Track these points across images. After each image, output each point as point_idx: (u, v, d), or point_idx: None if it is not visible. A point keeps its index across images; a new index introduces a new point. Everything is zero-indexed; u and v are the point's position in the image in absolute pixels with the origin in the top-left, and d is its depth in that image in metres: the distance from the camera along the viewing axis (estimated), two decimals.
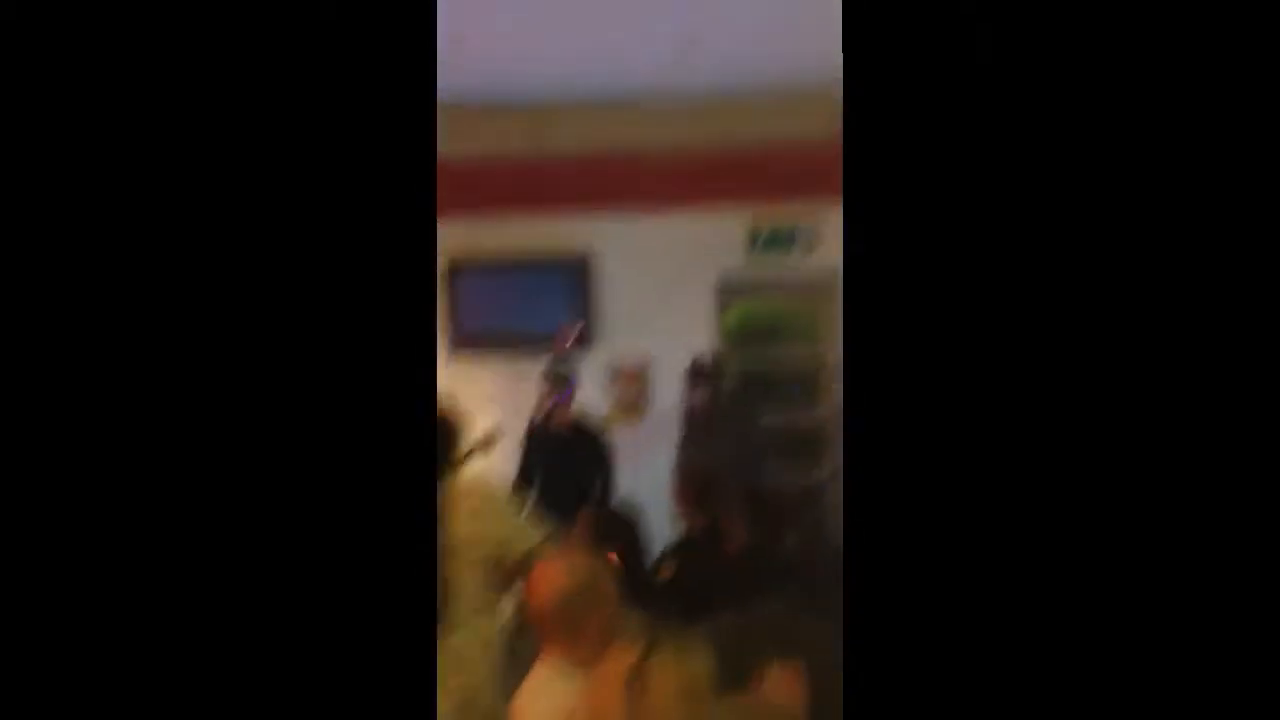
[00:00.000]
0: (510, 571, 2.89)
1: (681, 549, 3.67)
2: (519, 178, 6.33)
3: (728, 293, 6.32)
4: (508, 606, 2.93)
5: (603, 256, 6.38)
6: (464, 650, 2.80)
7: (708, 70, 5.47)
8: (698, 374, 5.44)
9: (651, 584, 3.41)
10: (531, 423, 5.31)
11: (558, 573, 2.36)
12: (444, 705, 2.37)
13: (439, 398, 5.77)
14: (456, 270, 6.34)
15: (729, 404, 5.48)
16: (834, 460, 6.08)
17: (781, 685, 1.72)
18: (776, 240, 6.26)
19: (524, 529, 3.01)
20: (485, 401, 6.24)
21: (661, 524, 4.78)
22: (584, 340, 6.22)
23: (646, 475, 5.21)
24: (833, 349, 6.29)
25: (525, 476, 5.18)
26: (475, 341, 6.33)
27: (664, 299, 6.26)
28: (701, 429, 5.33)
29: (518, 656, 2.68)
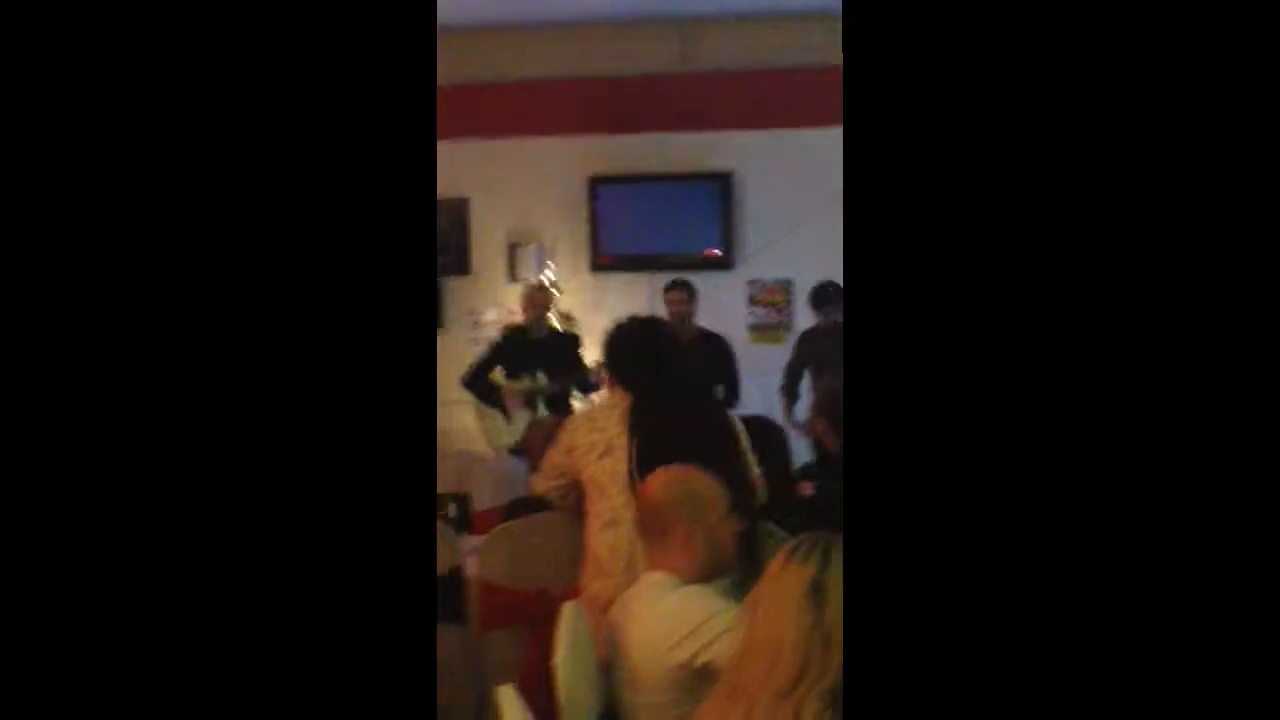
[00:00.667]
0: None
1: (821, 466, 3.65)
2: (660, 94, 6.29)
3: None
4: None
5: (746, 173, 6.31)
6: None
7: None
8: (823, 297, 5.37)
9: (791, 499, 3.41)
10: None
11: (663, 483, 2.36)
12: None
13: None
14: (598, 187, 6.36)
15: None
16: None
17: None
18: None
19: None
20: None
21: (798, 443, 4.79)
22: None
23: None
24: None
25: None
26: (616, 260, 6.36)
27: (807, 216, 6.17)
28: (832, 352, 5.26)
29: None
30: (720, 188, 6.28)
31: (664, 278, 5.65)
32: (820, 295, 5.36)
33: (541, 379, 5.30)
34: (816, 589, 1.62)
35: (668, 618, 2.16)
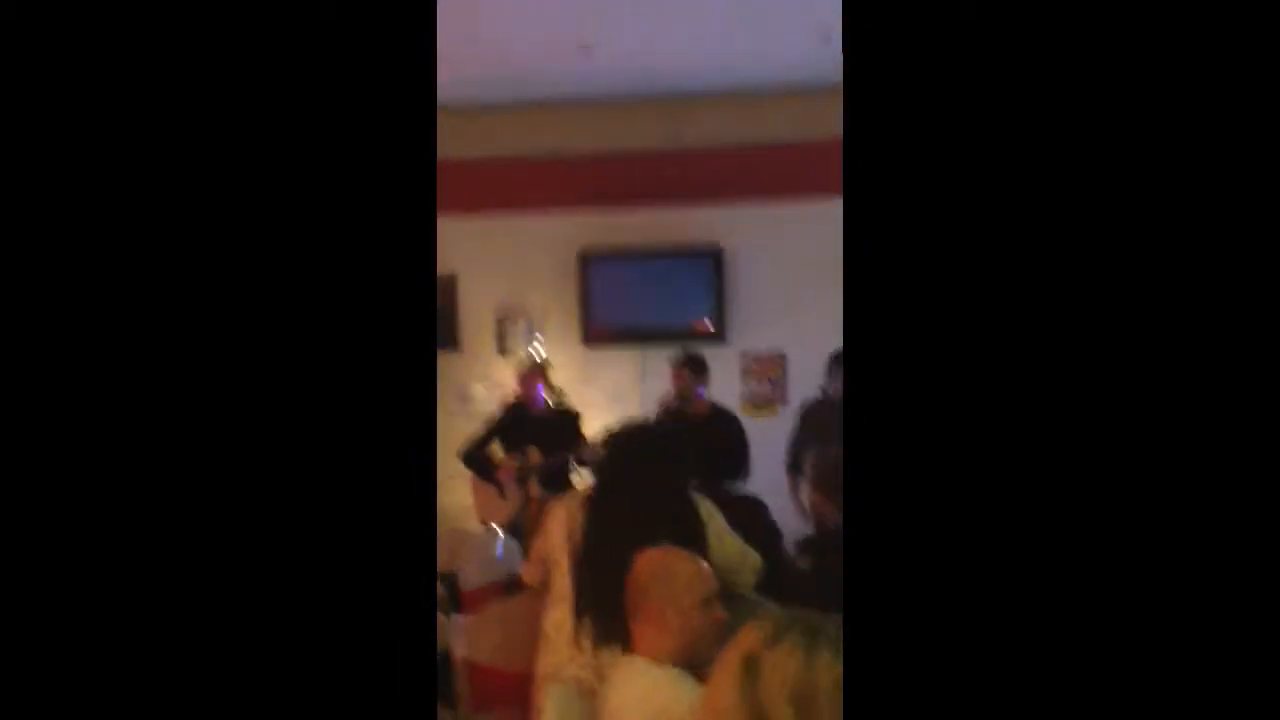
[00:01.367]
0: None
1: (819, 540, 3.58)
2: (650, 171, 6.33)
3: None
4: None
5: (736, 248, 6.32)
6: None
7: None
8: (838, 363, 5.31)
9: (788, 575, 3.34)
10: (665, 408, 5.28)
11: (643, 563, 2.29)
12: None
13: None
14: (589, 261, 6.37)
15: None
16: None
17: None
18: None
19: None
20: (618, 395, 6.28)
21: (791, 516, 4.72)
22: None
23: (781, 468, 5.14)
24: None
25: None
26: (608, 333, 6.35)
27: (799, 290, 6.17)
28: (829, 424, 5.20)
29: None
30: (711, 261, 6.29)
31: (655, 351, 5.62)
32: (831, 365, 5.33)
33: (536, 454, 5.25)
34: (751, 663, 1.56)
35: (636, 703, 2.10)
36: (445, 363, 6.46)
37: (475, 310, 6.54)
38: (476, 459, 5.40)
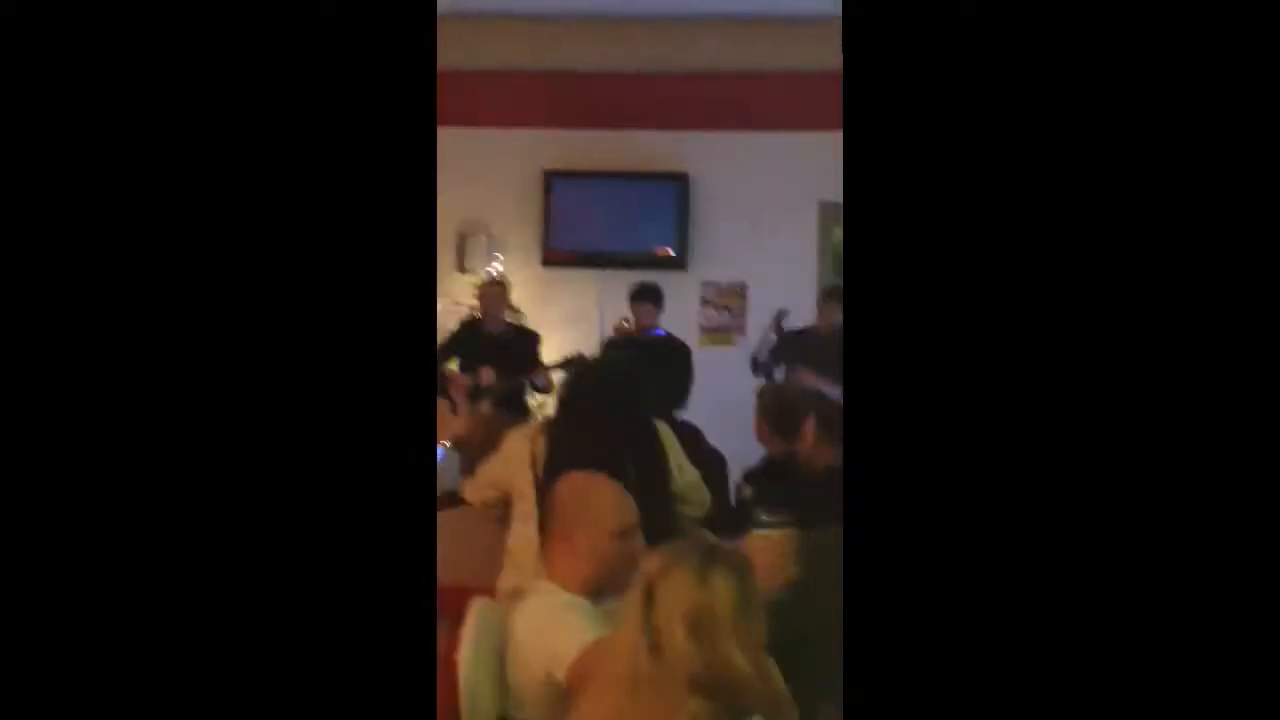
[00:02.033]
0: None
1: (762, 473, 3.58)
2: (621, 92, 6.23)
3: (831, 215, 6.14)
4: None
5: (703, 176, 6.25)
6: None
7: None
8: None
9: (730, 506, 3.34)
10: (620, 336, 5.26)
11: (565, 487, 2.28)
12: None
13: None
14: (553, 181, 6.28)
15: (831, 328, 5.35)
16: None
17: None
18: None
19: None
20: (575, 317, 6.23)
21: (746, 448, 4.72)
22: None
23: (737, 397, 5.12)
24: None
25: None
26: (567, 255, 6.29)
27: (763, 222, 6.12)
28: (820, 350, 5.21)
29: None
30: (677, 187, 6.21)
31: (615, 275, 5.56)
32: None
33: (489, 374, 5.22)
34: (649, 590, 1.57)
35: (537, 632, 2.07)
36: None
37: (436, 225, 6.44)
38: None
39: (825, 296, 5.40)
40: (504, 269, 6.20)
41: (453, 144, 6.24)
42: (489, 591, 2.63)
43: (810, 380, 4.85)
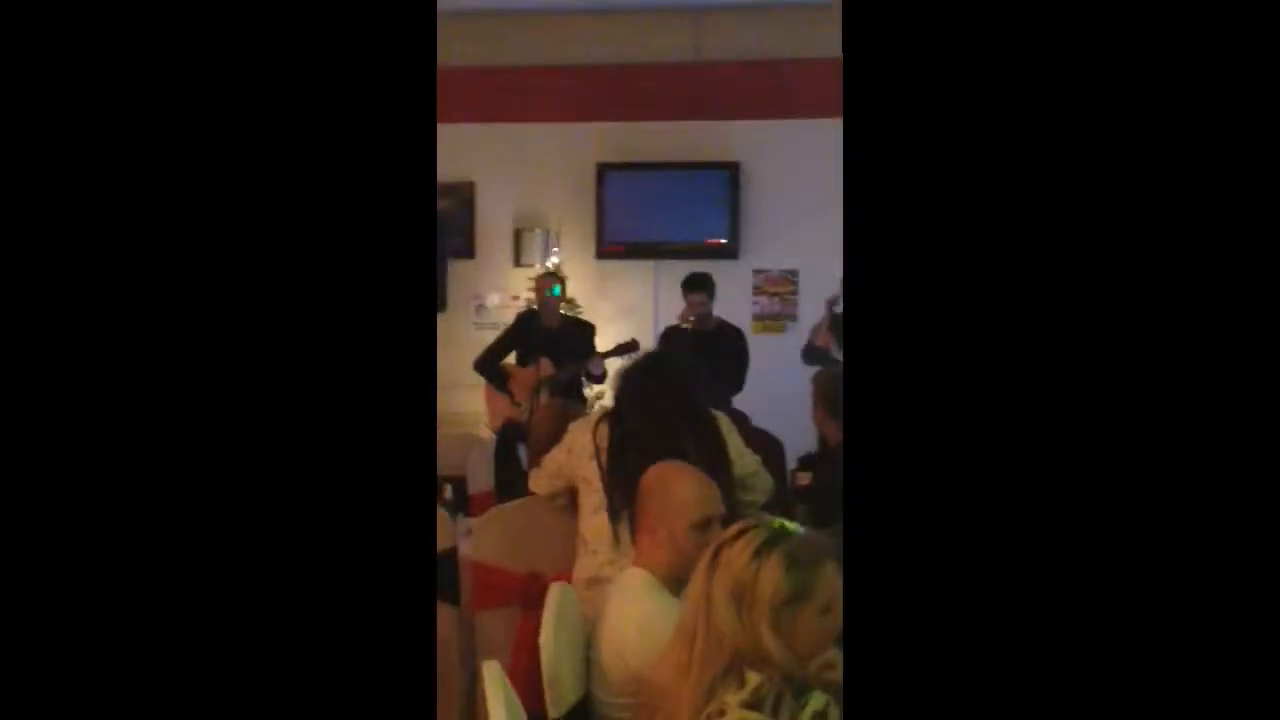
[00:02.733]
0: None
1: (818, 459, 3.65)
2: (671, 83, 6.29)
3: None
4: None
5: (754, 164, 6.29)
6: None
7: None
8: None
9: (789, 492, 3.41)
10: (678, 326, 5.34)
11: (649, 476, 2.36)
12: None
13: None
14: (605, 173, 6.36)
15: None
16: None
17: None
18: None
19: None
20: (630, 308, 6.32)
21: (801, 434, 4.78)
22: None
23: (790, 385, 5.18)
24: None
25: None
26: (623, 246, 6.37)
27: (815, 209, 6.15)
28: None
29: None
30: (728, 176, 6.27)
31: (668, 265, 5.63)
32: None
33: (547, 366, 5.32)
34: (714, 559, 1.64)
35: (629, 623, 2.15)
36: (462, 271, 6.51)
37: (492, 219, 6.55)
38: (491, 368, 5.44)
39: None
40: (560, 262, 6.30)
41: (507, 140, 6.41)
42: (563, 578, 2.70)
43: None
